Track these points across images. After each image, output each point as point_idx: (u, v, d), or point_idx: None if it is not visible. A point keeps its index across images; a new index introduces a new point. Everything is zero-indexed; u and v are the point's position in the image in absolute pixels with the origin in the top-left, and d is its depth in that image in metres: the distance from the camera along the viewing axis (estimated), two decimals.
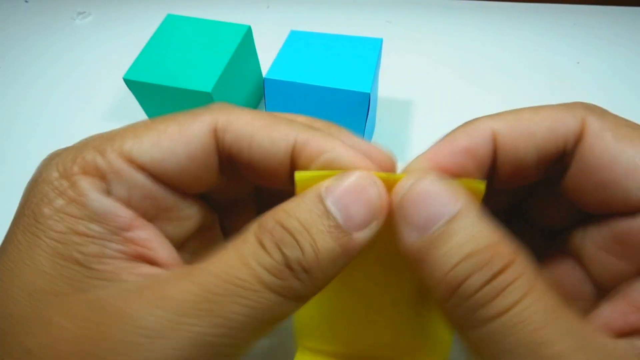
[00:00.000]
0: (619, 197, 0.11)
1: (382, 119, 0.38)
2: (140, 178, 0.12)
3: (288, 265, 0.10)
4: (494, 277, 0.10)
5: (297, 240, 0.10)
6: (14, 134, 0.39)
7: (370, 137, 0.36)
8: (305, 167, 0.12)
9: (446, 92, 0.41)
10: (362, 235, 0.11)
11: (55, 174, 0.12)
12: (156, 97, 0.34)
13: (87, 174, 0.12)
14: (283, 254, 0.10)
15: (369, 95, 0.29)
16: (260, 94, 0.41)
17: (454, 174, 0.13)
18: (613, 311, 0.11)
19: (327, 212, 0.11)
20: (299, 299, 0.11)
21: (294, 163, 0.13)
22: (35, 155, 0.37)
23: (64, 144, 0.42)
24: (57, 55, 0.47)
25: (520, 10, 0.51)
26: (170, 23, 0.35)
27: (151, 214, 0.13)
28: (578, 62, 0.44)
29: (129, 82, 0.33)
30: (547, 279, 0.10)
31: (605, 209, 0.12)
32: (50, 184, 0.12)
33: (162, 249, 0.13)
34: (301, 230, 0.11)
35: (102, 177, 0.12)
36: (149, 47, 0.34)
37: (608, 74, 0.43)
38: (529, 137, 0.13)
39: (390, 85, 0.41)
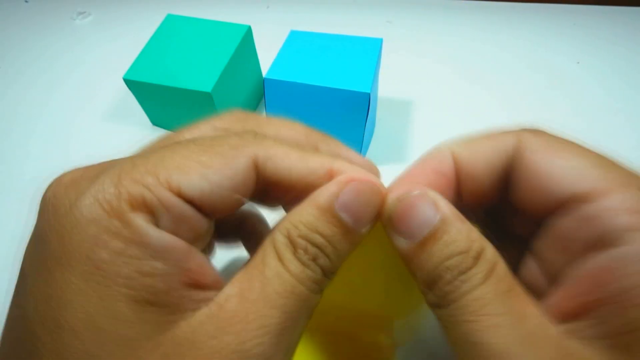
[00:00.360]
0: (548, 200, 0.14)
1: (382, 119, 0.38)
2: (188, 210, 0.13)
3: (324, 274, 0.13)
4: (463, 272, 0.12)
5: (326, 254, 0.13)
6: (14, 133, 0.39)
7: (370, 137, 0.36)
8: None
9: (446, 92, 0.41)
10: (366, 229, 0.14)
11: (101, 213, 0.11)
12: (156, 97, 0.34)
13: (136, 209, 0.11)
14: (320, 267, 0.13)
15: (369, 95, 0.28)
16: (260, 94, 0.41)
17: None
18: (554, 298, 0.13)
19: (342, 222, 0.13)
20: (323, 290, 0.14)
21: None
22: (35, 155, 0.37)
23: (64, 144, 0.42)
24: (57, 55, 0.47)
25: (520, 10, 0.51)
26: (170, 23, 0.35)
27: (192, 240, 0.13)
28: (578, 62, 0.44)
29: (129, 82, 0.33)
30: (510, 271, 0.13)
31: (541, 212, 0.14)
32: (100, 225, 0.11)
33: (210, 271, 0.13)
34: (326, 244, 0.13)
35: (151, 211, 0.12)
36: (149, 47, 0.34)
37: (608, 74, 0.43)
38: (479, 156, 0.15)
39: (390, 85, 0.41)
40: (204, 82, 0.31)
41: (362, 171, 0.15)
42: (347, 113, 0.30)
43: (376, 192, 0.14)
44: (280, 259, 0.13)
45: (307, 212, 0.13)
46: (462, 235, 0.13)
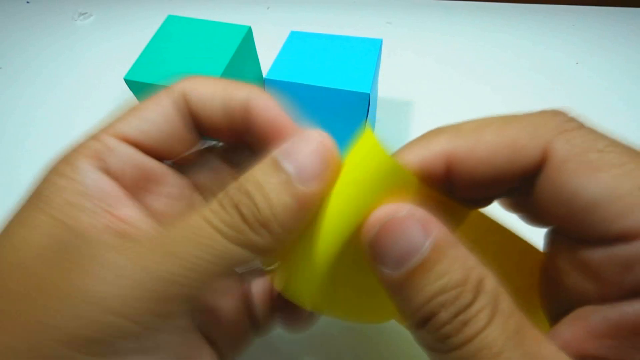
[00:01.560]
0: (580, 227, 0.12)
1: (382, 119, 0.39)
2: (131, 151, 0.14)
3: (245, 221, 0.12)
4: (462, 310, 0.10)
5: (252, 199, 0.12)
6: (15, 133, 0.39)
7: None
8: (256, 118, 0.16)
9: (446, 93, 0.41)
10: (315, 186, 0.12)
11: (59, 163, 0.14)
12: None
13: (86, 157, 0.14)
14: (240, 211, 0.12)
15: (369, 95, 0.29)
16: None
17: None
18: (571, 334, 0.11)
19: (280, 169, 0.12)
20: (263, 251, 0.12)
21: (247, 115, 0.15)
22: (35, 155, 0.37)
23: (65, 144, 0.42)
24: (58, 56, 0.47)
25: (520, 11, 0.51)
26: (171, 24, 0.36)
27: (141, 186, 0.15)
28: (577, 63, 0.44)
29: (130, 83, 0.33)
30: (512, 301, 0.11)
31: (567, 231, 0.12)
32: (54, 170, 0.14)
33: (145, 226, 0.14)
34: (255, 190, 0.12)
35: (98, 157, 0.14)
36: (149, 47, 0.34)
37: (608, 74, 0.43)
38: (486, 165, 0.13)
39: (390, 85, 0.41)
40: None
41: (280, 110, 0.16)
42: (347, 113, 0.30)
43: (325, 143, 0.13)
44: (200, 208, 0.12)
45: (253, 166, 0.13)
46: (457, 263, 0.11)
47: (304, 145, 0.12)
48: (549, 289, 0.14)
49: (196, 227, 0.12)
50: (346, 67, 0.30)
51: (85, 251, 0.12)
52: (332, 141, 0.13)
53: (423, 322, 0.11)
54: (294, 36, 0.34)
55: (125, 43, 0.48)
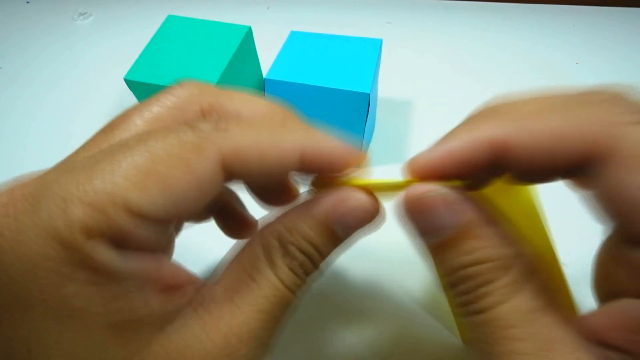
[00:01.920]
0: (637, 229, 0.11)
1: (382, 119, 0.38)
2: (152, 229, 0.11)
3: (307, 275, 0.14)
4: (484, 283, 0.12)
5: (314, 263, 0.14)
6: (15, 133, 0.39)
7: (370, 137, 0.36)
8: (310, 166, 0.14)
9: (446, 92, 0.41)
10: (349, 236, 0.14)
11: (55, 246, 0.10)
12: None
13: (94, 237, 0.10)
14: (307, 274, 0.14)
15: (369, 95, 0.29)
16: (260, 95, 0.41)
17: (447, 178, 0.13)
18: (603, 322, 0.11)
19: (334, 235, 0.14)
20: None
21: (299, 165, 0.14)
22: (35, 155, 0.37)
23: (65, 144, 0.42)
24: (58, 56, 0.47)
25: (520, 11, 0.51)
26: (171, 24, 0.36)
27: (157, 248, 0.13)
28: (578, 63, 0.44)
29: (130, 83, 0.33)
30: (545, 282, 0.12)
31: (623, 228, 0.12)
32: (57, 260, 0.10)
33: (181, 272, 0.13)
34: (316, 253, 0.14)
35: (110, 237, 0.10)
36: (149, 47, 0.34)
37: (608, 74, 0.43)
38: (545, 154, 0.12)
39: (390, 85, 0.41)
40: (205, 82, 0.31)
41: (340, 148, 0.14)
42: (347, 113, 0.30)
43: (369, 209, 0.14)
44: (271, 265, 0.13)
45: (301, 221, 0.14)
46: (488, 242, 0.12)
47: (358, 215, 0.14)
48: (599, 274, 0.13)
49: (281, 292, 0.13)
50: (346, 67, 0.30)
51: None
52: (377, 203, 0.15)
53: (455, 285, 0.13)
54: (294, 36, 0.34)
55: (125, 43, 0.48)
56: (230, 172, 0.12)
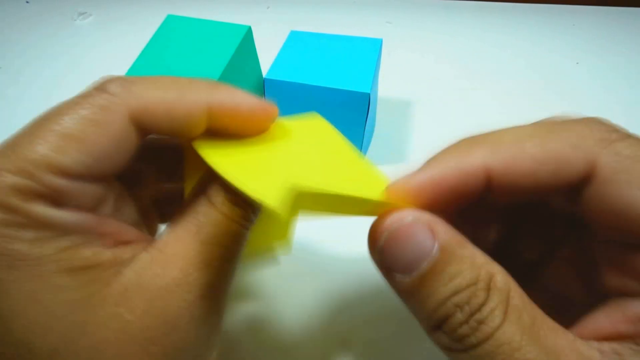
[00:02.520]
0: (628, 237, 0.11)
1: (382, 119, 0.38)
2: (79, 185, 0.12)
3: (254, 211, 0.14)
4: (477, 309, 0.11)
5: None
6: (14, 132, 0.39)
7: (370, 137, 0.36)
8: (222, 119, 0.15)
9: (446, 92, 0.41)
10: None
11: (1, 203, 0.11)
12: None
13: (29, 200, 0.11)
14: (250, 204, 0.14)
15: (369, 95, 0.29)
16: (260, 94, 0.41)
17: (435, 207, 0.13)
18: (605, 319, 0.12)
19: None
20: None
21: (210, 118, 0.14)
22: None
23: None
24: (58, 56, 0.47)
25: (520, 10, 0.51)
26: (171, 23, 0.36)
27: (96, 207, 0.14)
28: (578, 63, 0.44)
29: None
30: (522, 291, 0.11)
31: (612, 238, 0.12)
32: (1, 222, 0.11)
33: (128, 230, 0.14)
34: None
35: (45, 197, 0.12)
36: (149, 47, 0.34)
37: (608, 74, 0.43)
38: (529, 178, 0.12)
39: (390, 85, 0.41)
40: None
41: (247, 100, 0.14)
42: (347, 113, 0.30)
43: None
44: (211, 203, 0.13)
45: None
46: (467, 263, 0.11)
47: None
48: (581, 280, 0.14)
49: (224, 225, 0.14)
50: (346, 67, 0.30)
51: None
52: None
53: (439, 324, 0.11)
54: (294, 36, 0.34)
55: (124, 43, 0.48)
56: (142, 127, 0.13)
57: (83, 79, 0.45)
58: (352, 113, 0.30)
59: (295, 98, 0.31)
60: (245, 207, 0.14)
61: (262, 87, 0.40)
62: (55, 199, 0.12)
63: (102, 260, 0.12)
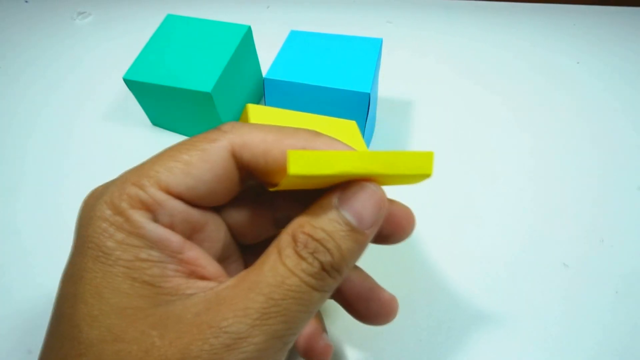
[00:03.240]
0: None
1: (382, 119, 0.38)
2: (178, 205, 0.14)
3: (324, 269, 0.14)
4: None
5: (327, 248, 0.14)
6: (14, 133, 0.39)
7: (370, 137, 0.36)
8: None
9: (446, 92, 0.41)
10: (372, 231, 0.14)
11: (108, 212, 0.14)
12: (156, 97, 0.34)
13: (135, 207, 0.14)
14: (319, 261, 0.14)
15: (369, 95, 0.29)
16: (260, 94, 0.41)
17: None
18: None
19: (345, 220, 0.14)
20: (333, 289, 0.14)
21: None
22: (35, 155, 0.37)
23: (65, 144, 0.42)
24: (57, 55, 0.47)
25: (520, 10, 0.51)
26: (170, 23, 0.35)
27: (189, 235, 0.15)
28: (578, 62, 0.44)
29: (129, 82, 0.33)
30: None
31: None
32: (106, 221, 0.14)
33: (210, 265, 0.15)
34: (328, 239, 0.14)
35: (147, 209, 0.14)
36: (148, 47, 0.34)
37: (608, 74, 0.43)
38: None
39: (390, 85, 0.41)
40: (204, 82, 0.31)
41: (344, 147, 0.15)
42: (347, 113, 0.30)
43: (378, 195, 0.14)
44: (279, 253, 0.14)
45: (311, 212, 0.14)
46: None
47: (365, 198, 0.14)
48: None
49: (287, 282, 0.13)
50: (346, 66, 0.30)
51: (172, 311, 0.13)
52: (384, 193, 0.15)
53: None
54: (294, 36, 0.34)
55: (124, 42, 0.48)
56: (241, 161, 0.15)
57: (83, 79, 0.45)
58: (352, 113, 0.30)
59: (295, 98, 0.31)
60: (312, 262, 0.13)
61: (262, 87, 0.40)
62: (154, 210, 0.14)
63: (166, 284, 0.14)
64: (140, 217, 0.14)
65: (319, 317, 0.21)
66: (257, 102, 0.41)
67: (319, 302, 0.14)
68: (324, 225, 0.14)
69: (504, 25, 0.49)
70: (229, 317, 0.12)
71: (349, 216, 0.14)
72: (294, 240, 0.14)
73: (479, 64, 0.44)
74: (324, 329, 0.20)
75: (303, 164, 0.13)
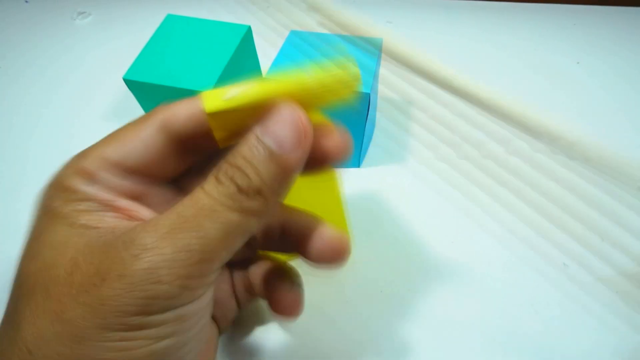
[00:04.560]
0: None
1: (382, 119, 0.38)
2: (117, 172, 0.16)
3: (240, 191, 0.14)
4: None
5: (244, 172, 0.14)
6: (14, 133, 0.39)
7: (370, 137, 0.36)
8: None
9: (446, 92, 0.41)
10: (294, 155, 0.15)
11: (54, 182, 0.16)
12: (156, 97, 0.34)
13: (78, 175, 0.16)
14: (235, 183, 0.14)
15: (369, 95, 0.28)
16: None
17: None
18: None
19: (263, 144, 0.14)
20: (260, 214, 0.15)
21: None
22: (35, 154, 0.37)
23: (65, 144, 0.42)
24: (57, 56, 0.47)
25: (520, 10, 0.51)
26: (170, 23, 0.35)
27: (136, 197, 0.17)
28: (578, 62, 0.44)
29: (129, 82, 0.33)
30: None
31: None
32: (53, 188, 0.16)
33: (148, 213, 0.17)
34: (246, 164, 0.14)
35: (86, 175, 0.16)
36: (148, 47, 0.34)
37: (608, 74, 0.43)
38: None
39: (390, 85, 0.41)
40: (204, 82, 0.31)
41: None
42: (347, 113, 0.30)
43: (295, 117, 0.15)
44: (202, 185, 0.15)
45: (238, 145, 0.15)
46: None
47: (280, 122, 0.15)
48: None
49: (201, 203, 0.14)
50: None
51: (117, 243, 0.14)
52: (303, 113, 0.15)
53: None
54: (294, 35, 0.34)
55: (124, 42, 0.48)
56: (173, 131, 0.16)
57: (83, 79, 0.45)
58: (352, 113, 0.30)
59: None
60: (228, 185, 0.14)
61: None
62: (93, 176, 0.16)
63: (103, 225, 0.15)
64: (78, 181, 0.16)
65: (292, 272, 0.22)
66: None
67: (244, 223, 0.15)
68: (244, 152, 0.15)
69: (504, 25, 0.49)
70: (140, 233, 0.14)
71: (267, 140, 0.14)
72: (217, 170, 0.15)
73: (479, 64, 0.44)
74: (296, 283, 0.21)
75: (214, 99, 0.15)
